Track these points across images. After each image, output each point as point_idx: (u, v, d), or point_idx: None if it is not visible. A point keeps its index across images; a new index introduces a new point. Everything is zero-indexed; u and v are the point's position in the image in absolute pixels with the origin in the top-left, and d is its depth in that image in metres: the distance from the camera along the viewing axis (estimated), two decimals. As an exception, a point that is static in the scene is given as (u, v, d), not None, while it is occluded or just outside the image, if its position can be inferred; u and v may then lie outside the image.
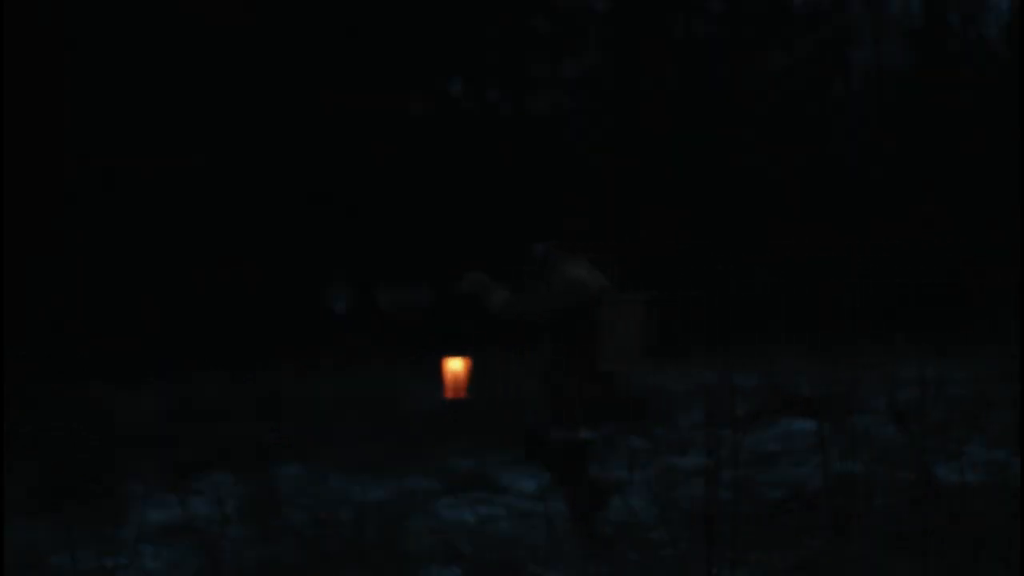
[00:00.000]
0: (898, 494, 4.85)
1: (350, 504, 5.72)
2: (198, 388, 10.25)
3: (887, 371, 8.55)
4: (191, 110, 16.15)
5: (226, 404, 9.49)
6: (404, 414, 8.92)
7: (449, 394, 4.71)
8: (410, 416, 8.71)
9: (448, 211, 18.28)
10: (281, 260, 16.55)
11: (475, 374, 4.74)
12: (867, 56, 21.98)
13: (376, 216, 17.38)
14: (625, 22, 20.91)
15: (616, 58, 21.18)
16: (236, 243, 16.39)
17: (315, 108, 17.12)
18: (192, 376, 10.84)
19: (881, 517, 4.35)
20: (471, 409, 4.64)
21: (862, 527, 4.16)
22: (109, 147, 15.55)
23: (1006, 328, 11.11)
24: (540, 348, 4.72)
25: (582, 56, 21.22)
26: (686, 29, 21.21)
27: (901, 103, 21.60)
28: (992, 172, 18.93)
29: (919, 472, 4.65)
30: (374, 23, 17.93)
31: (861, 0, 21.89)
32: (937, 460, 6.00)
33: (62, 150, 15.14)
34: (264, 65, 16.69)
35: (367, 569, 4.38)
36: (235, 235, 16.38)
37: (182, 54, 16.13)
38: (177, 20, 16.13)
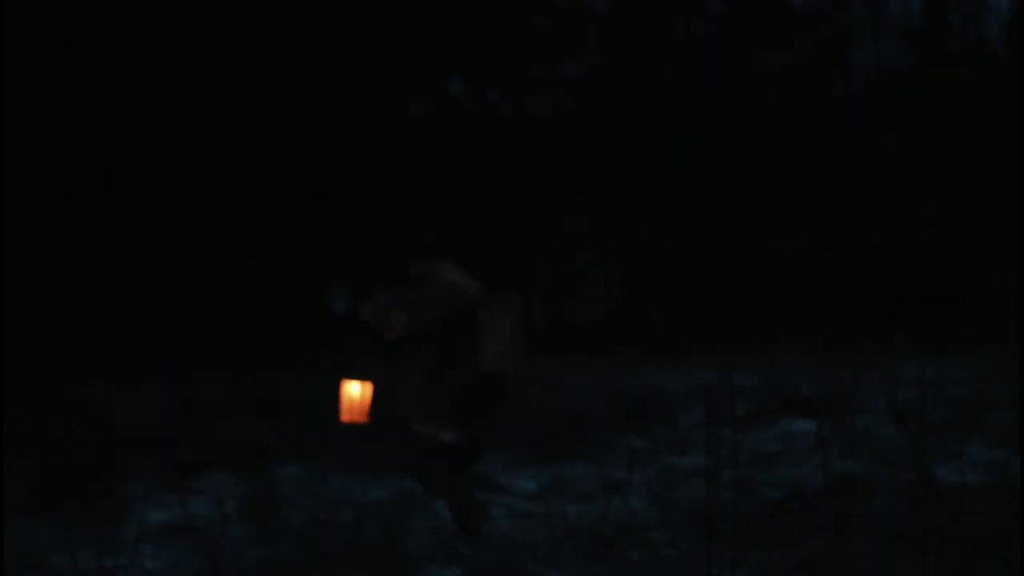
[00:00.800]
0: (898, 494, 4.85)
1: (350, 504, 5.72)
2: (198, 388, 10.25)
3: (887, 371, 8.55)
4: (191, 110, 16.15)
5: (226, 404, 9.49)
6: (404, 414, 8.90)
7: (345, 418, 4.72)
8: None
9: (448, 211, 18.27)
10: (281, 260, 16.55)
11: (377, 398, 4.76)
12: (867, 56, 21.98)
13: (376, 216, 17.38)
14: (625, 22, 20.90)
15: (616, 58, 21.18)
16: (236, 243, 16.39)
17: (315, 108, 17.12)
18: (192, 376, 10.86)
19: (881, 517, 4.35)
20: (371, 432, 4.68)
21: (862, 527, 4.16)
22: (109, 147, 15.54)
23: (1006, 328, 11.13)
24: (420, 355, 4.77)
25: (582, 56, 21.22)
26: (686, 29, 21.21)
27: (901, 103, 21.60)
28: (992, 172, 18.93)
29: (919, 472, 4.65)
30: (374, 23, 17.93)
31: (861, 0, 21.89)
32: (937, 460, 6.00)
33: (62, 150, 15.14)
34: (264, 65, 16.68)
35: (367, 569, 4.38)
36: (235, 235, 16.37)
37: (182, 54, 16.12)
38: (177, 20, 16.12)
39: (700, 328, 16.21)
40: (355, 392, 4.69)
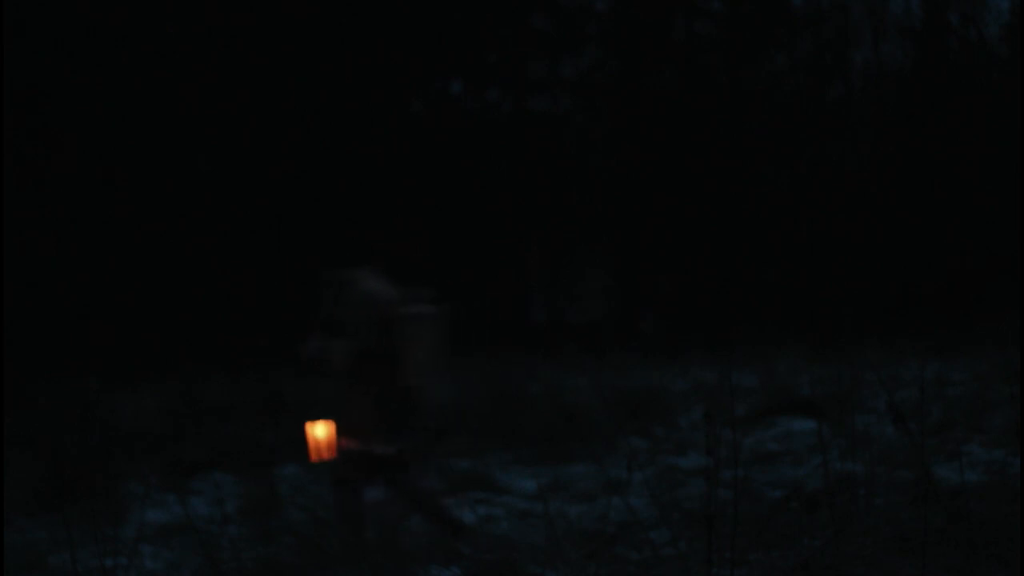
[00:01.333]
0: (898, 494, 4.85)
1: (350, 504, 5.70)
2: (198, 388, 10.22)
3: (887, 371, 8.54)
4: (193, 110, 16.15)
5: (226, 404, 9.47)
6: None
7: (314, 457, 4.70)
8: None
9: (448, 210, 18.27)
10: (281, 260, 16.56)
11: (339, 436, 4.70)
12: (867, 56, 21.99)
13: (376, 216, 17.38)
14: (625, 22, 20.90)
15: (616, 58, 21.18)
16: (237, 243, 16.39)
17: (315, 108, 17.12)
18: (192, 376, 10.83)
19: (881, 517, 4.34)
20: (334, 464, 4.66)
21: (862, 527, 4.16)
22: (109, 147, 15.54)
23: (1006, 328, 11.11)
24: (342, 367, 4.63)
25: (582, 56, 21.22)
26: (686, 29, 21.21)
27: (901, 103, 21.60)
28: (992, 172, 18.93)
29: (919, 472, 4.64)
30: (374, 23, 17.93)
31: (861, 0, 21.90)
32: (937, 460, 6.00)
33: (63, 150, 15.14)
34: (264, 65, 16.68)
35: (367, 569, 4.37)
36: (235, 235, 16.38)
37: (182, 54, 16.12)
38: (177, 20, 16.12)
39: (700, 328, 16.21)
40: (319, 432, 4.67)
